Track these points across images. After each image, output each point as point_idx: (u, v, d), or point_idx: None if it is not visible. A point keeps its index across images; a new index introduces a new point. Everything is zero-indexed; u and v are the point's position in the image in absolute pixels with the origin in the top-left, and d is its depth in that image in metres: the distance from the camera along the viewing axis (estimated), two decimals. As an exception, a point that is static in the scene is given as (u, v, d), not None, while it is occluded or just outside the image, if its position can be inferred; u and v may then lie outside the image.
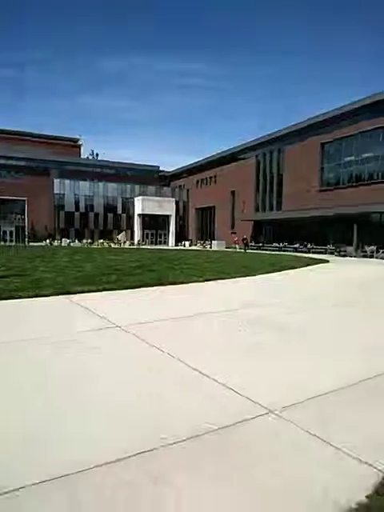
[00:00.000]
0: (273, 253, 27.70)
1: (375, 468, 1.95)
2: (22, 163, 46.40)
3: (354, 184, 28.15)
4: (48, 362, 3.47)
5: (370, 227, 26.91)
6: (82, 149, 63.68)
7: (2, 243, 38.47)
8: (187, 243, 44.88)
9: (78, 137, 63.81)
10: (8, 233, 43.57)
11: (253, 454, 2.09)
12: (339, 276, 12.62)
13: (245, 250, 32.17)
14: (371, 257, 23.90)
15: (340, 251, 26.76)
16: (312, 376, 3.23)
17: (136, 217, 47.07)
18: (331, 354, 3.88)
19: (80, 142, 64.07)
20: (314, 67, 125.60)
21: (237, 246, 34.31)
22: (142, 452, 2.05)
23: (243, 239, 34.05)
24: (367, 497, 1.74)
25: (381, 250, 23.28)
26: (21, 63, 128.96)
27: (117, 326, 4.76)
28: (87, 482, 1.81)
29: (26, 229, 43.80)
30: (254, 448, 2.14)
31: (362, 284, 10.40)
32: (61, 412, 2.50)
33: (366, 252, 24.95)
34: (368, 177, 27.37)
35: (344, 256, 25.61)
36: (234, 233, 41.05)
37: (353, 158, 28.55)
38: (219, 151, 44.77)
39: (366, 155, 27.56)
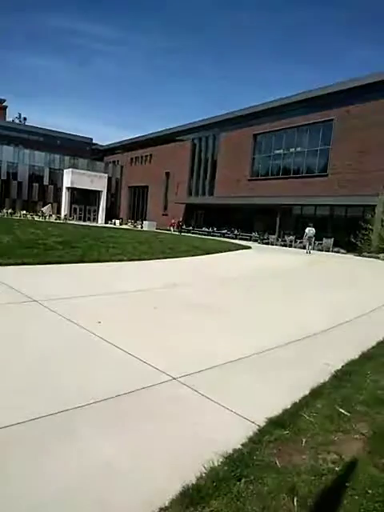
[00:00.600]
0: (201, 237, 28.46)
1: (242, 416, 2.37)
2: None
3: (281, 176, 29.82)
4: None
5: (291, 218, 28.89)
6: (6, 111, 58.59)
7: None
8: (118, 222, 44.08)
9: (3, 98, 58.47)
10: None
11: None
12: (254, 263, 13.51)
13: (180, 232, 33.08)
14: (290, 246, 25.74)
15: (263, 239, 28.42)
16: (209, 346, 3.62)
17: (64, 190, 44.84)
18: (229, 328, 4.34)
19: (5, 104, 58.80)
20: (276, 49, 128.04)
21: (171, 228, 34.88)
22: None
23: (178, 222, 35.68)
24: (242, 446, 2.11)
25: (298, 240, 25.15)
26: None
27: (33, 301, 4.76)
28: None
29: None
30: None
31: (275, 273, 11.30)
32: None
33: (285, 241, 26.81)
34: (295, 170, 29.16)
35: (266, 244, 27.26)
36: (166, 214, 41.26)
37: (282, 151, 30.15)
38: (157, 130, 44.24)
39: (294, 149, 29.28)
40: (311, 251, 20.30)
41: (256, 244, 26.02)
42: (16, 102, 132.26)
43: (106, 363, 3.11)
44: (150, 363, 3.12)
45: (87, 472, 1.84)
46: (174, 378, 2.90)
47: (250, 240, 29.01)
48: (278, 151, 30.56)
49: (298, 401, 2.68)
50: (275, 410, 2.51)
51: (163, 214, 41.59)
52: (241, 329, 4.46)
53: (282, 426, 2.34)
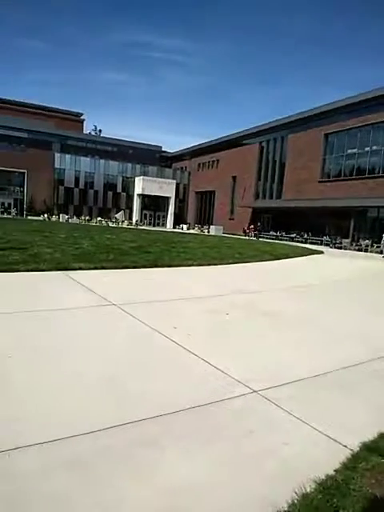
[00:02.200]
0: (269, 241, 27.89)
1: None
2: (24, 135, 45.94)
3: (355, 177, 28.16)
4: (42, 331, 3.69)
5: (366, 221, 27.10)
6: (84, 124, 63.00)
7: (0, 215, 38.40)
8: (185, 226, 44.91)
9: (81, 111, 63.02)
10: (6, 205, 43.34)
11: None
12: (326, 270, 12.86)
13: (257, 237, 32.66)
14: (366, 251, 24.14)
15: (335, 243, 27.00)
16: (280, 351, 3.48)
17: (135, 196, 46.90)
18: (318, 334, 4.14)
19: (83, 117, 63.27)
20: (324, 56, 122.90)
21: (249, 233, 34.27)
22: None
23: (256, 227, 34.71)
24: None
25: (375, 245, 23.49)
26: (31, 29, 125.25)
27: (113, 304, 4.99)
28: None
29: (25, 202, 43.57)
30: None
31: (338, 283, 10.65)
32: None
33: (360, 246, 25.20)
34: (370, 170, 27.37)
35: (339, 248, 25.86)
36: (232, 219, 41.14)
37: (356, 150, 28.48)
38: (223, 135, 44.40)
39: (369, 149, 27.49)
40: None
41: (328, 248, 24.82)
42: (92, 114, 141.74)
43: (188, 372, 3.13)
44: (230, 374, 3.08)
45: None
46: (255, 391, 2.83)
47: (321, 244, 27.78)
48: (351, 151, 28.92)
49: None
50: (369, 434, 2.32)
51: (230, 219, 41.51)
52: (320, 340, 4.24)
53: (378, 453, 2.15)
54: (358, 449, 2.20)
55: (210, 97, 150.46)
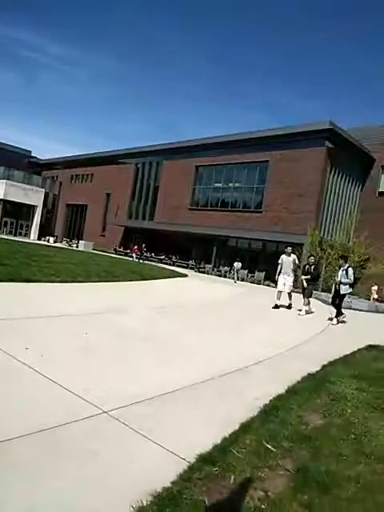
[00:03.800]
0: (139, 261, 28.31)
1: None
2: None
3: (219, 208, 31.00)
4: None
5: (226, 249, 29.98)
6: None
7: None
8: (52, 239, 42.22)
9: None
10: None
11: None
12: (190, 293, 13.75)
13: (140, 259, 31.13)
14: (224, 276, 26.54)
15: (199, 268, 29.04)
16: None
17: (-4, 201, 42.16)
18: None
19: None
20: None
21: (133, 254, 32.01)
22: None
23: (140, 247, 32.74)
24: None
25: (232, 271, 26.08)
26: None
27: None
28: None
29: None
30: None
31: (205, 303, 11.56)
32: None
33: (220, 271, 27.64)
34: (232, 204, 30.52)
35: (202, 272, 27.87)
36: (103, 235, 40.53)
37: (221, 184, 31.52)
38: (100, 150, 43.91)
39: (232, 184, 30.79)
40: (237, 281, 23.30)
41: (192, 272, 26.48)
42: None
43: (38, 393, 2.93)
44: (81, 395, 3.00)
45: None
46: (105, 412, 2.82)
47: (187, 267, 29.45)
48: (217, 184, 31.89)
49: (228, 436, 2.73)
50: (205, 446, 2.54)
51: (101, 235, 40.79)
52: (168, 358, 4.47)
53: (211, 462, 2.37)
54: (194, 460, 2.38)
55: (93, 110, 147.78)
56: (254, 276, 25.53)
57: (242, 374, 4.25)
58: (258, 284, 24.16)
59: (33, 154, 54.26)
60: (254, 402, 3.40)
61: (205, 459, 2.39)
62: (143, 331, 5.59)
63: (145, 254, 32.71)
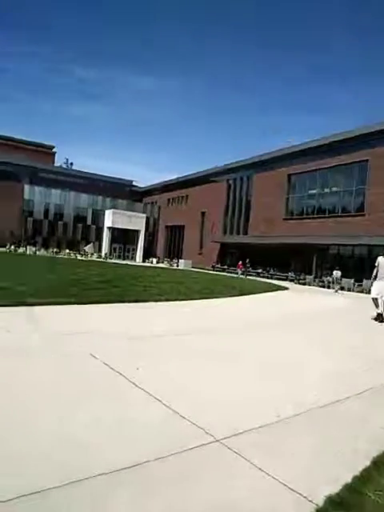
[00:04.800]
0: (244, 277, 28.50)
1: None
2: (-7, 166, 45.62)
3: (316, 216, 29.76)
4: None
5: (327, 258, 28.44)
6: (55, 156, 63.39)
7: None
8: (155, 260, 45.19)
9: (52, 144, 63.57)
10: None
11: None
12: (290, 308, 13.39)
13: (245, 274, 31.18)
14: (328, 287, 25.13)
15: (299, 279, 28.02)
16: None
17: (105, 229, 46.97)
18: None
19: (54, 150, 63.74)
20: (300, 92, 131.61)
21: (239, 270, 31.73)
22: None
23: (244, 264, 32.12)
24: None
25: (336, 281, 24.58)
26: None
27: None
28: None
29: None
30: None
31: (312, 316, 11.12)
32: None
33: (323, 282, 26.25)
34: (329, 210, 29.06)
35: (303, 284, 26.83)
36: (201, 253, 41.89)
37: (316, 191, 30.30)
38: (193, 172, 45.99)
39: (329, 190, 29.35)
40: (338, 291, 22.31)
41: (292, 284, 25.70)
42: (63, 147, 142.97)
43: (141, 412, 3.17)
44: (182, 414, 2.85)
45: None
46: (218, 440, 2.53)
47: (286, 280, 28.70)
48: (312, 191, 30.74)
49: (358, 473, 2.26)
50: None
51: (199, 253, 42.26)
52: (277, 377, 4.18)
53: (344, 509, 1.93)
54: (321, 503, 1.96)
55: (181, 132, 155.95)
56: (361, 285, 23.68)
57: (357, 400, 3.67)
58: (367, 293, 22.30)
59: (134, 183, 59.26)
60: (380, 432, 2.89)
61: (334, 502, 1.97)
62: (243, 349, 5.56)
63: (248, 269, 32.40)
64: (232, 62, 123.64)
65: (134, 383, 3.45)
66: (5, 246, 39.33)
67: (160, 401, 3.10)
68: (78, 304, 7.82)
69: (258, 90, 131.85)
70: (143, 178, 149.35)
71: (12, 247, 38.99)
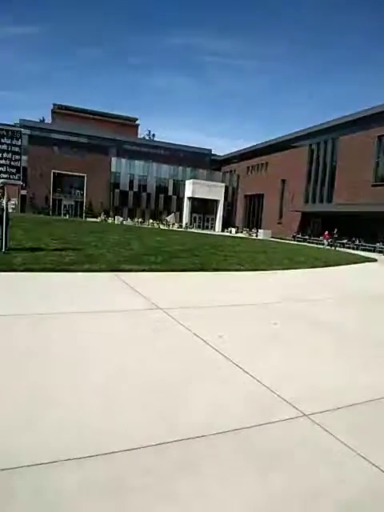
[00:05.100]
0: (319, 247, 27.48)
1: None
2: (85, 140, 48.99)
3: (411, 181, 27.15)
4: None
5: None
6: (139, 128, 65.61)
7: (63, 217, 41.39)
8: (233, 230, 45.41)
9: (136, 116, 65.77)
10: (68, 207, 46.55)
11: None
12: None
13: (332, 245, 28.61)
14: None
15: (388, 251, 26.17)
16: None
17: (185, 199, 48.22)
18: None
19: (137, 122, 65.90)
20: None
21: (325, 240, 29.40)
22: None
23: (330, 234, 29.59)
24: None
25: None
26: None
27: (158, 308, 5.04)
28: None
29: (84, 204, 46.49)
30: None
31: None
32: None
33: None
34: None
35: (392, 255, 25.06)
36: (280, 223, 40.99)
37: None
38: (272, 138, 44.38)
39: None
40: None
41: (381, 256, 24.17)
42: (146, 118, 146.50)
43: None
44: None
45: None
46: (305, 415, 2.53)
47: (373, 251, 27.06)
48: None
49: None
50: None
51: (278, 223, 41.44)
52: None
53: None
54: None
55: (262, 99, 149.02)
56: None
57: None
58: None
59: (212, 152, 59.10)
60: None
61: None
62: (337, 322, 5.26)
63: (335, 240, 29.60)
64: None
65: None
66: (97, 217, 42.78)
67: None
68: (163, 272, 8.27)
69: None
70: (222, 149, 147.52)
71: (102, 218, 42.23)
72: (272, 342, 4.09)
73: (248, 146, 50.24)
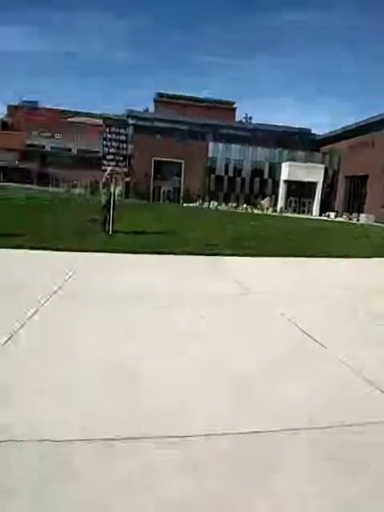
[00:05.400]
0: None
1: None
2: (184, 127, 50.75)
3: None
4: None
5: None
6: (236, 112, 65.38)
7: (162, 202, 44.04)
8: (332, 214, 43.05)
9: (233, 100, 65.64)
10: (166, 192, 49.23)
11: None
12: None
13: None
14: None
15: None
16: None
17: (281, 183, 47.12)
18: None
19: (235, 105, 65.69)
20: None
21: None
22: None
23: None
24: None
25: None
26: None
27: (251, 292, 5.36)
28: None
29: (182, 190, 48.60)
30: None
31: None
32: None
33: None
34: None
35: None
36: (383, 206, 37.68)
37: None
38: (379, 113, 40.39)
39: None
40: None
41: None
42: (243, 102, 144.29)
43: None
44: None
45: None
46: None
47: None
48: None
49: None
50: None
51: (382, 207, 38.17)
52: None
53: None
54: None
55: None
56: None
57: None
58: None
59: (312, 132, 56.22)
60: None
61: None
62: None
63: None
64: None
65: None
66: (193, 202, 44.49)
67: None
68: (256, 256, 8.54)
69: None
70: (322, 129, 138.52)
71: (199, 203, 43.79)
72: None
73: (350, 123, 46.67)
